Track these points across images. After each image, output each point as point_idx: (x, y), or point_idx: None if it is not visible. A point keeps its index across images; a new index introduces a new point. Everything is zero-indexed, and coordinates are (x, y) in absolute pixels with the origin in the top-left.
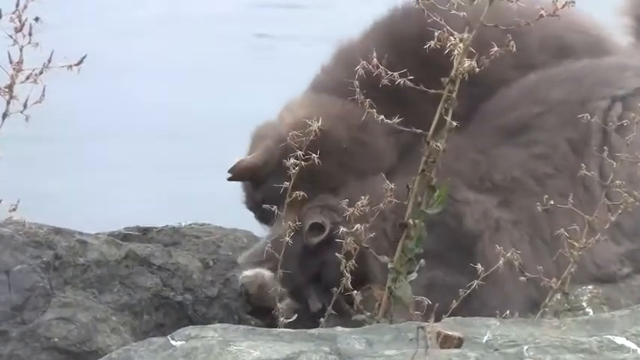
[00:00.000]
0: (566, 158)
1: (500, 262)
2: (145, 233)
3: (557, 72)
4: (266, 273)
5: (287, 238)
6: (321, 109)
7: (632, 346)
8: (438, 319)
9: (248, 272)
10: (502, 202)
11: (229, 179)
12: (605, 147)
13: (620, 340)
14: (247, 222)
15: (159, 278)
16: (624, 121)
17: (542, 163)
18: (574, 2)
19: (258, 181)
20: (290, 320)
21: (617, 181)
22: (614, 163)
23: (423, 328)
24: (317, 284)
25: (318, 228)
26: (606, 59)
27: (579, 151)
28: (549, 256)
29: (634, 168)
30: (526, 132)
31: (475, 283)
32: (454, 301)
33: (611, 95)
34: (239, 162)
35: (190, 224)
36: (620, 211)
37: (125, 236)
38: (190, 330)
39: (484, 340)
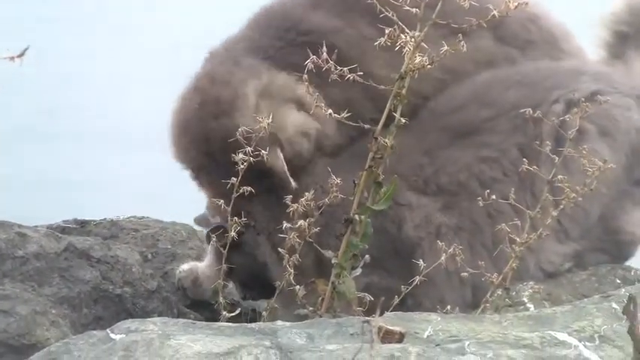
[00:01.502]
0: (516, 164)
1: (439, 261)
2: (83, 226)
3: (510, 73)
4: (200, 266)
5: (232, 233)
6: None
7: (574, 341)
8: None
9: (184, 266)
10: (445, 205)
11: None
12: (556, 154)
13: (561, 336)
14: (186, 216)
15: (98, 271)
16: (574, 129)
17: (489, 167)
18: (527, 2)
19: None
20: (232, 315)
21: (560, 176)
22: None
23: (368, 322)
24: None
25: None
26: (563, 62)
27: (529, 157)
28: (489, 261)
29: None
30: (475, 134)
31: (416, 281)
32: (393, 299)
33: (565, 99)
34: None
35: (129, 217)
36: (562, 206)
37: (64, 229)
38: (130, 323)
39: (425, 336)
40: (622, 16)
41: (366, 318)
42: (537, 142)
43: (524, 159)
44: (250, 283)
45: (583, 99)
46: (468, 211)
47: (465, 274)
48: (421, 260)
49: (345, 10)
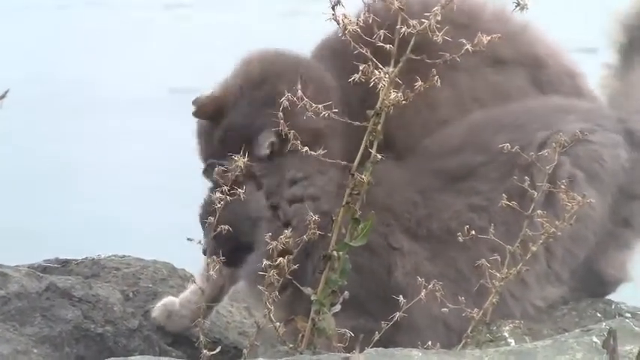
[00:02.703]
0: (503, 212)
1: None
2: (64, 265)
3: (501, 114)
4: (176, 300)
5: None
6: None
7: None
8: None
9: (158, 304)
10: (433, 254)
11: (194, 114)
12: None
13: None
14: (167, 254)
15: (79, 310)
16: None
17: (478, 215)
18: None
19: (219, 116)
20: (213, 353)
21: (539, 211)
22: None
23: (347, 359)
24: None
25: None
26: (553, 100)
27: (517, 204)
28: (472, 307)
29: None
30: (469, 179)
31: (395, 318)
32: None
33: (550, 142)
34: (200, 96)
35: (110, 256)
36: (541, 241)
37: (45, 268)
38: None
39: None
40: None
41: (346, 355)
42: (522, 183)
43: (508, 201)
44: (224, 242)
45: (567, 141)
46: (453, 260)
47: (446, 309)
48: (403, 301)
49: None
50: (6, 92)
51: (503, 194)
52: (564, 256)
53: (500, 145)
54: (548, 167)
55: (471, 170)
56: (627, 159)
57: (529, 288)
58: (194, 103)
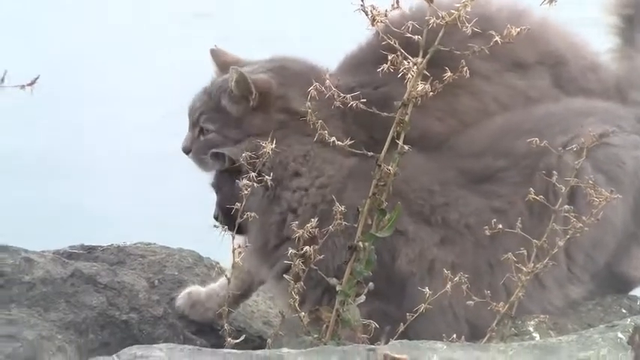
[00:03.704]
0: (522, 216)
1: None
2: (89, 252)
3: (522, 119)
4: (202, 290)
5: None
6: None
7: None
8: (386, 342)
9: (183, 292)
10: (444, 240)
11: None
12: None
13: None
14: (193, 242)
15: (104, 297)
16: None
17: (497, 217)
18: (529, 28)
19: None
20: (237, 341)
21: (566, 206)
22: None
23: (374, 350)
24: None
25: (220, 157)
26: (573, 102)
27: (534, 210)
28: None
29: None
30: (490, 182)
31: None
32: (397, 326)
33: (570, 147)
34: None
35: (136, 243)
36: (568, 236)
37: (70, 254)
38: (136, 349)
39: None
40: None
41: (372, 346)
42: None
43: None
44: (226, 213)
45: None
46: (470, 254)
47: (471, 302)
48: (416, 292)
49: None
50: (36, 78)
51: (531, 189)
52: (585, 261)
53: (529, 140)
54: (570, 173)
55: (493, 174)
56: None
57: (548, 291)
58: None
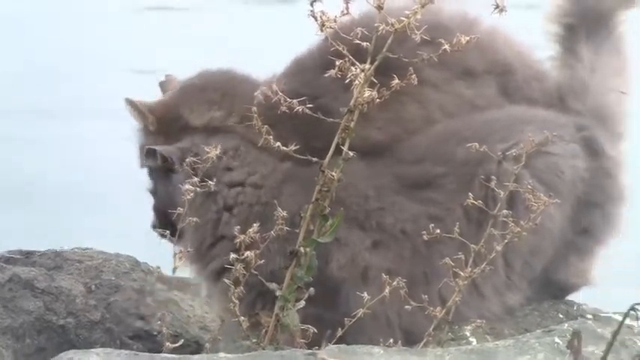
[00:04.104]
0: (459, 224)
1: (361, 311)
2: (27, 257)
3: (463, 126)
4: None
5: None
6: None
7: None
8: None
9: None
10: (379, 245)
11: None
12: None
13: None
14: (130, 248)
15: (42, 302)
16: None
17: (435, 224)
18: (479, 36)
19: None
20: (175, 346)
21: (505, 211)
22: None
23: (312, 355)
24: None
25: (152, 154)
26: (514, 110)
27: (472, 217)
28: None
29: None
30: (428, 189)
31: (358, 315)
32: (334, 331)
33: (508, 155)
34: None
35: (73, 248)
36: (506, 240)
37: (8, 259)
38: (73, 354)
39: None
40: (566, 7)
41: (310, 351)
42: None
43: (467, 214)
44: (162, 217)
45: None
46: (406, 261)
47: (408, 307)
48: (350, 298)
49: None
50: None
51: (470, 194)
52: (523, 268)
53: (468, 145)
54: (509, 179)
55: (430, 181)
56: (585, 168)
57: (486, 299)
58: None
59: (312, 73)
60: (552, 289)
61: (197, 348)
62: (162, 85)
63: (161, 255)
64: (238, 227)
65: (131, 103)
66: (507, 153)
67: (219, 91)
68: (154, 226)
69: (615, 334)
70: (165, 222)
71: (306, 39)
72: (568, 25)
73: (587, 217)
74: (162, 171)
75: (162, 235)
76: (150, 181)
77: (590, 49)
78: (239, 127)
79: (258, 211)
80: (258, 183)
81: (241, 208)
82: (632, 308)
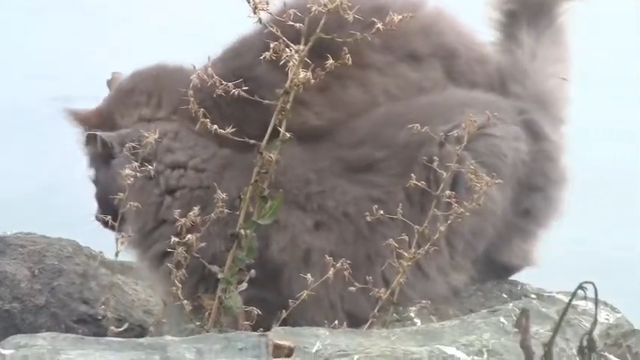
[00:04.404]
0: (402, 207)
1: (305, 293)
2: None
3: (404, 110)
4: None
5: None
6: None
7: (462, 355)
8: (267, 329)
9: None
10: (321, 226)
11: None
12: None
13: (450, 350)
14: (72, 231)
15: None
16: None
17: (378, 207)
18: (414, 15)
19: None
20: (120, 330)
21: (447, 192)
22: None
23: (265, 336)
24: None
25: (92, 139)
26: (455, 93)
27: (414, 200)
28: (364, 294)
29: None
30: (369, 173)
31: (301, 298)
32: (275, 313)
33: (450, 137)
34: None
35: (16, 233)
36: (450, 221)
37: None
38: (19, 339)
39: (314, 350)
40: None
41: (255, 333)
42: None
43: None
44: (104, 205)
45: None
46: (349, 244)
47: (353, 288)
48: (292, 280)
49: None
50: None
51: (412, 175)
52: (465, 249)
53: (410, 126)
54: (451, 160)
55: (372, 164)
56: (527, 152)
57: (431, 280)
58: None
59: (248, 57)
60: (495, 270)
61: (141, 332)
62: (109, 84)
63: (103, 240)
64: (179, 211)
65: (69, 114)
66: (449, 134)
67: (145, 92)
68: (97, 217)
69: (563, 313)
70: (107, 210)
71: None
72: (509, 11)
73: (529, 199)
74: (102, 158)
75: (105, 223)
76: (90, 170)
77: (530, 37)
78: (174, 117)
79: (200, 195)
80: (200, 167)
81: (183, 192)
82: (580, 287)
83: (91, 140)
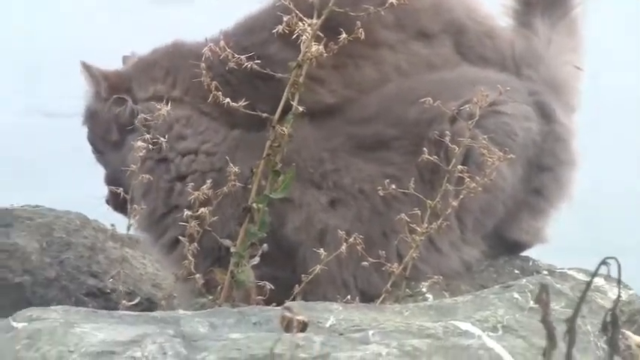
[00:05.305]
0: (415, 184)
1: (318, 268)
2: None
3: (414, 86)
4: None
5: None
6: None
7: (477, 331)
8: (279, 304)
9: None
10: (337, 204)
11: None
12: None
13: (464, 326)
14: (80, 205)
15: None
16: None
17: (389, 182)
18: None
19: None
20: (132, 303)
21: (460, 167)
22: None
23: (279, 311)
24: None
25: (120, 103)
26: (467, 71)
27: (425, 178)
28: (377, 272)
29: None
30: (382, 150)
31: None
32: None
33: (458, 110)
34: None
35: (23, 206)
36: (462, 196)
37: None
38: (32, 311)
39: (328, 325)
40: None
41: (268, 307)
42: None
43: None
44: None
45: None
46: (365, 222)
47: (365, 263)
48: (308, 258)
49: None
50: None
51: (424, 149)
52: (474, 226)
53: (421, 100)
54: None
55: (384, 142)
56: (538, 132)
57: (444, 255)
58: None
59: (261, 35)
60: (506, 245)
61: (149, 306)
62: (125, 60)
63: (109, 216)
64: (192, 184)
65: (87, 68)
66: (461, 109)
67: (164, 68)
68: (107, 201)
69: (587, 288)
70: (117, 196)
71: None
72: (524, 0)
73: (539, 179)
74: (118, 127)
75: (115, 207)
76: (96, 155)
77: (545, 25)
78: (187, 98)
79: (212, 178)
80: (211, 151)
81: (194, 177)
82: (604, 262)
83: (117, 103)
